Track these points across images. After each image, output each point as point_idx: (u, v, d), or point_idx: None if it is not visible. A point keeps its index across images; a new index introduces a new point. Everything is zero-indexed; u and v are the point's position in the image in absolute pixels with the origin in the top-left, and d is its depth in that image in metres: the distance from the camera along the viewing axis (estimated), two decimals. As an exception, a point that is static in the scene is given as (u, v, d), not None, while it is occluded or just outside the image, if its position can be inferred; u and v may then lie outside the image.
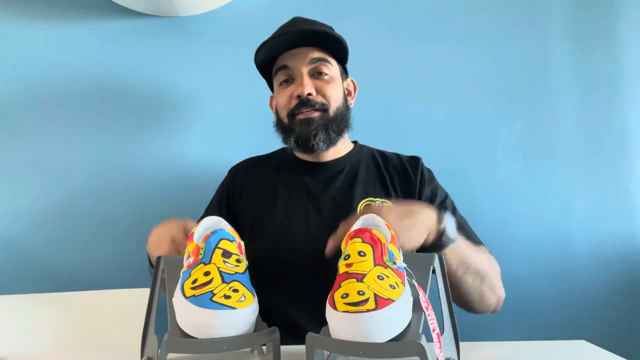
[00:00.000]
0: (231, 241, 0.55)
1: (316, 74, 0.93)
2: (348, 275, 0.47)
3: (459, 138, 1.30)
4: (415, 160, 0.99)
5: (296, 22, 0.96)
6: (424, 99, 1.32)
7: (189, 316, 0.49)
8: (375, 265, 0.47)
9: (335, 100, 0.93)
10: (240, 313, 0.49)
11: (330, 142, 0.92)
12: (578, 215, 1.28)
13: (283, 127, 0.96)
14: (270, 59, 0.97)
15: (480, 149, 1.30)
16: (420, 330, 0.48)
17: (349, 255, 0.48)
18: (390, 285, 0.46)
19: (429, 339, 0.47)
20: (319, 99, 0.92)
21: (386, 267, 0.48)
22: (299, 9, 1.34)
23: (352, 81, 1.03)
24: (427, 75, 1.33)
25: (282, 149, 1.05)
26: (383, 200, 0.91)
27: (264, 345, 0.58)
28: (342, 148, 0.99)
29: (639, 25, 1.33)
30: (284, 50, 0.94)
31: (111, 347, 0.69)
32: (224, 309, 0.48)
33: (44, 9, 1.33)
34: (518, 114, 1.31)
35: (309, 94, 0.90)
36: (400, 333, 0.46)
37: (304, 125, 0.91)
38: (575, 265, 1.26)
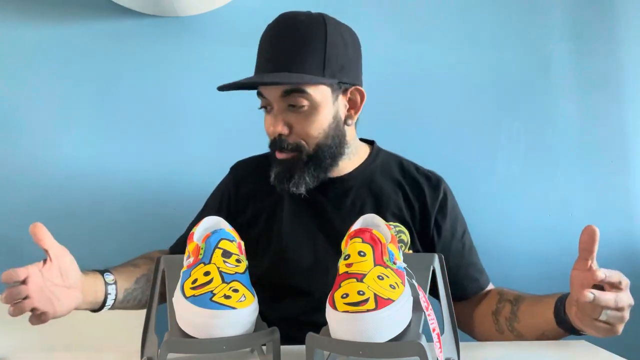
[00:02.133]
0: (231, 241, 0.55)
1: (292, 107, 0.80)
2: (348, 275, 0.47)
3: (459, 138, 1.30)
4: (436, 183, 0.90)
5: (262, 51, 0.84)
6: (424, 99, 1.32)
7: (189, 316, 0.49)
8: (375, 265, 0.47)
9: (314, 136, 0.81)
10: (240, 313, 0.49)
11: (313, 181, 0.83)
12: (578, 215, 1.28)
13: (270, 153, 0.88)
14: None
15: (480, 149, 1.30)
16: (420, 330, 0.48)
17: (349, 255, 0.48)
18: (390, 285, 0.46)
19: (429, 339, 0.47)
20: (292, 139, 0.81)
21: (386, 267, 0.48)
22: (298, 8, 1.34)
23: (358, 90, 0.87)
24: (426, 75, 1.33)
25: None
26: (396, 225, 0.84)
27: (264, 345, 0.58)
28: (351, 162, 0.90)
29: (639, 25, 1.33)
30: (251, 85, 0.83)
31: (111, 347, 0.69)
32: (224, 309, 0.48)
33: (44, 9, 1.33)
34: (518, 114, 1.31)
35: (280, 134, 0.81)
36: (400, 333, 0.46)
37: (279, 166, 0.83)
38: (575, 265, 1.26)
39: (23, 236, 1.27)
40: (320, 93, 0.80)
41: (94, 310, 0.74)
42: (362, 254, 0.48)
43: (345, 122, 0.86)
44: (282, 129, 0.80)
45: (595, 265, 0.61)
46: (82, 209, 1.27)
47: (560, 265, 1.27)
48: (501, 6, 1.35)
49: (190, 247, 0.56)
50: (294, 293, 0.84)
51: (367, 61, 1.33)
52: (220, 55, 1.33)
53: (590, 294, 0.56)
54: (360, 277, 0.46)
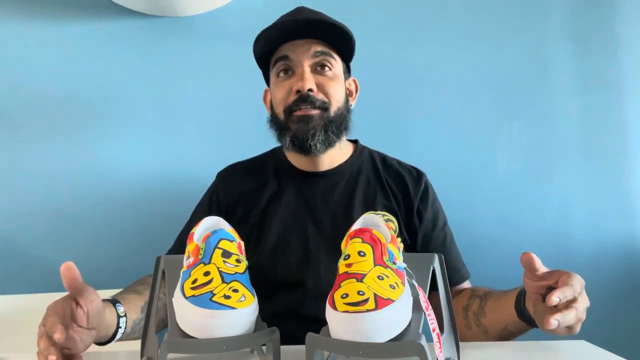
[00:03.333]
0: (231, 241, 0.55)
1: (319, 69, 0.86)
2: (348, 275, 0.47)
3: (459, 138, 1.31)
4: (417, 175, 0.94)
5: (301, 10, 0.88)
6: (424, 99, 1.32)
7: (189, 316, 0.49)
8: (375, 265, 0.47)
9: (337, 99, 0.87)
10: (240, 313, 0.49)
11: (329, 144, 0.86)
12: (578, 215, 1.28)
13: (278, 124, 0.89)
14: (270, 49, 0.89)
15: (480, 149, 1.30)
16: (420, 330, 0.48)
17: (348, 255, 0.48)
18: (390, 285, 0.46)
19: (429, 339, 0.47)
20: (320, 96, 0.85)
21: (386, 267, 0.48)
22: (299, 9, 1.34)
23: (354, 81, 0.97)
24: (427, 76, 1.33)
25: (273, 152, 1.00)
26: (384, 213, 0.87)
27: (264, 345, 0.58)
28: (340, 154, 0.94)
29: (639, 25, 1.33)
30: (286, 39, 0.86)
31: (111, 346, 0.69)
32: (223, 309, 0.48)
33: (44, 9, 1.33)
34: (518, 114, 1.31)
35: (310, 90, 0.84)
36: (400, 333, 0.46)
37: (301, 123, 0.84)
38: (575, 265, 1.26)
39: (23, 236, 1.27)
40: (339, 67, 0.89)
41: (101, 343, 0.69)
42: (362, 254, 0.48)
43: (350, 105, 0.93)
44: (312, 85, 0.84)
45: (544, 269, 0.62)
46: (82, 209, 1.27)
47: (560, 265, 1.27)
48: (501, 6, 1.35)
49: (190, 247, 0.56)
50: (286, 287, 0.84)
51: (367, 61, 1.33)
52: (220, 55, 1.33)
53: (554, 320, 0.56)
54: (360, 277, 0.46)
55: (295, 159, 0.94)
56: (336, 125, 0.86)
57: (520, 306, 0.68)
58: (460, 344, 0.54)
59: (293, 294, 0.83)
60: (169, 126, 1.31)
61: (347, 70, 0.94)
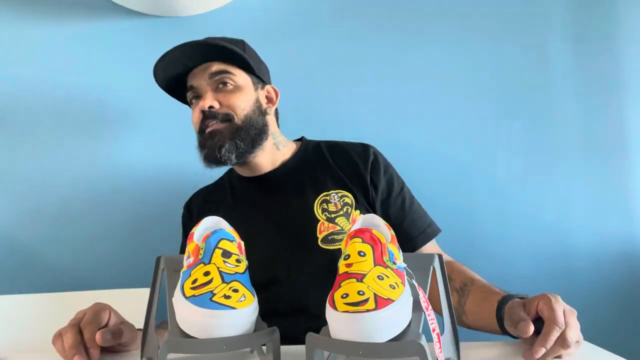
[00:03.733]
0: (231, 241, 0.55)
1: (220, 86, 0.92)
2: (348, 275, 0.47)
3: (459, 138, 1.31)
4: (364, 149, 0.97)
5: (187, 42, 0.93)
6: (424, 99, 1.32)
7: (189, 316, 0.49)
8: (375, 265, 0.47)
9: (241, 108, 0.91)
10: (240, 313, 0.49)
11: (240, 152, 0.90)
12: (578, 215, 1.28)
13: (198, 144, 0.94)
14: (177, 81, 0.96)
15: (480, 149, 1.30)
16: (420, 330, 0.48)
17: (349, 255, 0.48)
18: (390, 285, 0.46)
19: (429, 339, 0.47)
20: (223, 110, 0.90)
21: (386, 267, 0.48)
22: (298, 8, 1.34)
23: (273, 88, 1.01)
24: (427, 75, 1.33)
25: (229, 170, 1.05)
26: (338, 191, 0.90)
27: (264, 345, 0.58)
28: (281, 154, 0.98)
29: (639, 25, 1.33)
30: (186, 70, 0.93)
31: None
32: (223, 309, 0.48)
33: (44, 9, 1.33)
34: (518, 114, 1.31)
35: (211, 107, 0.89)
36: (400, 333, 0.46)
37: (210, 138, 0.90)
38: (575, 265, 1.26)
39: (24, 236, 1.27)
40: (243, 78, 0.94)
41: None
42: (362, 254, 0.48)
43: (266, 112, 0.96)
44: (212, 102, 0.90)
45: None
46: (82, 209, 1.27)
47: (560, 265, 1.28)
48: (501, 6, 1.35)
49: (190, 247, 0.56)
50: (261, 286, 0.84)
51: (366, 61, 1.34)
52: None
53: (542, 348, 0.56)
54: (360, 277, 0.46)
55: (241, 170, 0.99)
56: (244, 133, 0.90)
57: (501, 318, 0.67)
58: (460, 344, 0.54)
59: (270, 292, 0.84)
60: (169, 126, 1.31)
61: (261, 80, 0.98)
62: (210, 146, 0.90)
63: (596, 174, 1.29)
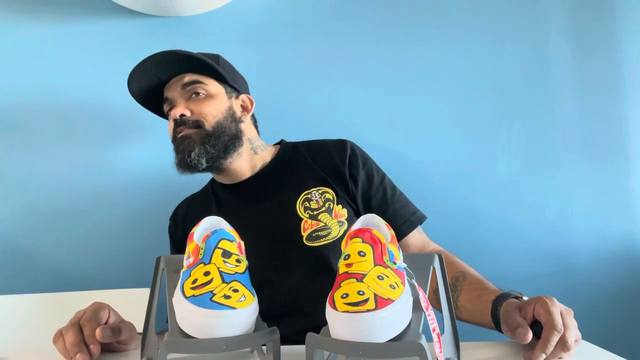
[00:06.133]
0: (231, 241, 0.55)
1: (193, 96, 0.94)
2: (348, 275, 0.47)
3: (459, 138, 1.31)
4: (340, 144, 0.98)
5: (160, 53, 0.95)
6: (424, 99, 1.32)
7: (189, 316, 0.49)
8: (375, 265, 0.47)
9: (211, 115, 0.92)
10: (240, 313, 0.49)
11: (210, 157, 0.91)
12: (578, 215, 1.28)
13: (174, 153, 0.96)
14: (152, 93, 0.98)
15: (480, 149, 1.30)
16: (420, 330, 0.48)
17: (349, 255, 0.48)
18: (390, 285, 0.46)
19: (429, 339, 0.47)
20: (193, 117, 0.92)
21: (386, 267, 0.48)
22: (298, 8, 1.34)
23: (248, 97, 1.03)
24: (426, 76, 1.33)
25: (211, 180, 1.06)
26: (319, 188, 0.91)
27: (264, 345, 0.58)
28: (259, 158, 0.99)
29: (639, 25, 1.33)
30: (160, 82, 0.96)
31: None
32: (224, 309, 0.48)
33: (44, 9, 1.33)
34: (518, 114, 1.31)
35: (182, 115, 0.91)
36: (400, 333, 0.46)
37: (181, 143, 0.92)
38: (575, 265, 1.26)
39: (24, 236, 1.27)
40: (215, 87, 0.96)
41: None
42: (362, 254, 0.48)
43: (240, 119, 0.98)
44: (184, 110, 0.92)
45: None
46: (82, 209, 1.27)
47: (560, 265, 1.28)
48: (501, 6, 1.35)
49: (190, 247, 0.55)
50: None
51: (366, 61, 1.34)
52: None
53: (542, 354, 0.56)
54: (360, 277, 0.46)
55: (220, 178, 1.01)
56: (215, 138, 0.91)
57: (497, 318, 0.67)
58: (460, 344, 0.54)
59: (262, 295, 0.83)
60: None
61: (234, 90, 1.00)
62: (181, 151, 0.92)
63: (596, 174, 1.29)
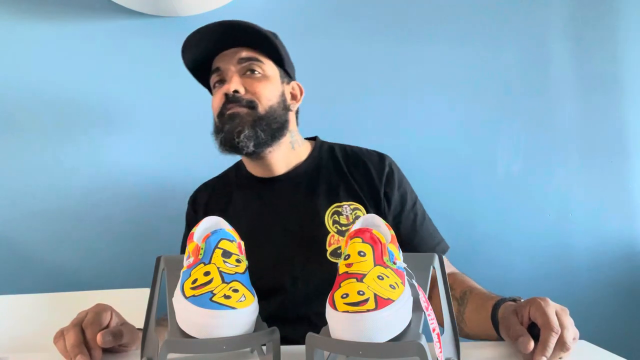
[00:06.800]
0: (231, 241, 0.55)
1: (248, 73, 0.89)
2: (348, 275, 0.47)
3: (459, 138, 1.31)
4: (380, 159, 0.94)
5: (223, 22, 0.90)
6: (424, 100, 1.32)
7: (189, 316, 0.49)
8: (375, 265, 0.47)
9: (266, 97, 0.87)
10: (240, 313, 0.49)
11: (260, 143, 0.86)
12: (578, 215, 1.28)
13: (215, 129, 0.91)
14: (203, 63, 0.93)
15: (480, 149, 1.30)
16: (420, 330, 0.48)
17: (349, 255, 0.48)
18: (390, 285, 0.46)
19: (429, 339, 0.47)
20: (247, 96, 0.87)
21: (386, 267, 0.48)
22: (298, 8, 1.34)
23: (298, 85, 0.98)
24: (427, 76, 1.33)
25: (236, 165, 1.02)
26: (351, 203, 0.87)
27: (264, 345, 0.58)
28: (295, 155, 0.94)
29: (639, 25, 1.33)
30: (215, 52, 0.90)
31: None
32: (224, 309, 0.48)
33: (44, 9, 1.33)
34: (518, 114, 1.31)
35: (236, 91, 0.86)
36: (400, 333, 0.46)
37: (229, 121, 0.86)
38: (575, 265, 1.26)
39: (24, 236, 1.27)
40: (271, 68, 0.91)
41: None
42: (362, 254, 0.48)
43: (289, 107, 0.93)
44: (238, 86, 0.86)
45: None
46: (82, 209, 1.27)
47: (560, 265, 1.28)
48: (501, 6, 1.35)
49: (190, 247, 0.55)
50: (266, 294, 0.82)
51: (366, 61, 1.34)
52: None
53: (543, 357, 0.55)
54: (360, 277, 0.46)
55: (253, 168, 0.95)
56: (266, 123, 0.86)
57: (496, 322, 0.67)
58: (460, 344, 0.54)
59: (274, 300, 0.83)
60: (169, 126, 1.31)
61: (287, 75, 0.95)
62: (229, 130, 0.85)
63: (596, 174, 1.29)
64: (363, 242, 0.49)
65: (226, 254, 0.53)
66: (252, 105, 0.86)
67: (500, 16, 1.35)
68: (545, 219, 1.28)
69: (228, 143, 0.86)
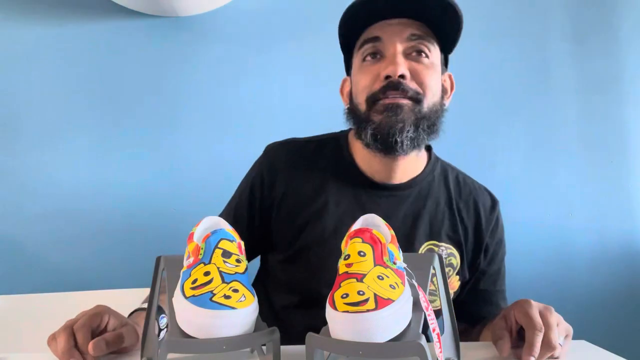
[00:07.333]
0: (231, 241, 0.55)
1: (414, 54, 0.72)
2: (348, 275, 0.47)
3: (459, 138, 1.30)
4: (492, 204, 0.84)
5: None
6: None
7: (189, 316, 0.49)
8: (375, 265, 0.47)
9: (432, 91, 0.72)
10: (240, 313, 0.49)
11: (416, 145, 0.73)
12: (578, 215, 1.28)
13: (358, 116, 0.74)
14: (356, 30, 0.75)
15: (480, 149, 1.30)
16: (420, 330, 0.48)
17: (348, 255, 0.48)
18: (390, 285, 0.46)
19: (429, 339, 0.47)
20: (413, 85, 0.71)
21: (386, 267, 0.48)
22: (298, 8, 1.34)
23: (450, 77, 0.81)
24: (427, 75, 1.33)
25: (337, 142, 0.83)
26: (449, 247, 0.77)
27: (264, 345, 0.58)
28: (415, 163, 0.80)
29: (639, 25, 1.33)
30: (377, 18, 0.73)
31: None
32: (224, 309, 0.48)
33: (44, 9, 1.33)
34: (518, 114, 1.31)
35: (402, 76, 0.70)
36: (400, 333, 0.46)
37: (388, 113, 0.70)
38: (575, 265, 1.26)
39: (24, 236, 1.27)
40: (437, 55, 0.75)
41: None
42: (362, 254, 0.48)
43: (443, 103, 0.78)
44: (405, 71, 0.70)
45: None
46: (82, 209, 1.27)
47: (560, 264, 1.28)
48: (501, 6, 1.35)
49: (190, 247, 0.55)
50: (304, 305, 0.77)
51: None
52: (220, 55, 1.33)
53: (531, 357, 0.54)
54: (360, 277, 0.46)
55: (365, 161, 0.79)
56: (428, 124, 0.73)
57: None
58: (461, 344, 0.54)
59: (317, 309, 0.79)
60: (169, 126, 1.31)
61: (445, 64, 0.80)
62: (389, 123, 0.70)
63: (596, 174, 1.29)
64: (363, 242, 0.49)
65: (226, 254, 0.53)
66: (417, 98, 0.71)
67: (501, 17, 1.35)
68: (546, 219, 1.28)
69: (383, 139, 0.71)
